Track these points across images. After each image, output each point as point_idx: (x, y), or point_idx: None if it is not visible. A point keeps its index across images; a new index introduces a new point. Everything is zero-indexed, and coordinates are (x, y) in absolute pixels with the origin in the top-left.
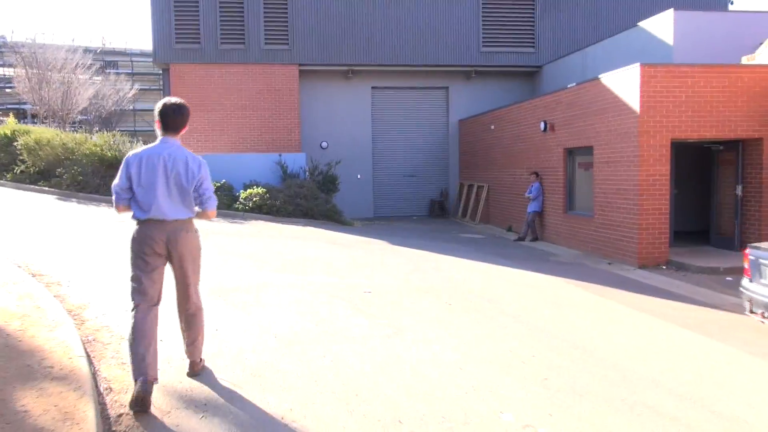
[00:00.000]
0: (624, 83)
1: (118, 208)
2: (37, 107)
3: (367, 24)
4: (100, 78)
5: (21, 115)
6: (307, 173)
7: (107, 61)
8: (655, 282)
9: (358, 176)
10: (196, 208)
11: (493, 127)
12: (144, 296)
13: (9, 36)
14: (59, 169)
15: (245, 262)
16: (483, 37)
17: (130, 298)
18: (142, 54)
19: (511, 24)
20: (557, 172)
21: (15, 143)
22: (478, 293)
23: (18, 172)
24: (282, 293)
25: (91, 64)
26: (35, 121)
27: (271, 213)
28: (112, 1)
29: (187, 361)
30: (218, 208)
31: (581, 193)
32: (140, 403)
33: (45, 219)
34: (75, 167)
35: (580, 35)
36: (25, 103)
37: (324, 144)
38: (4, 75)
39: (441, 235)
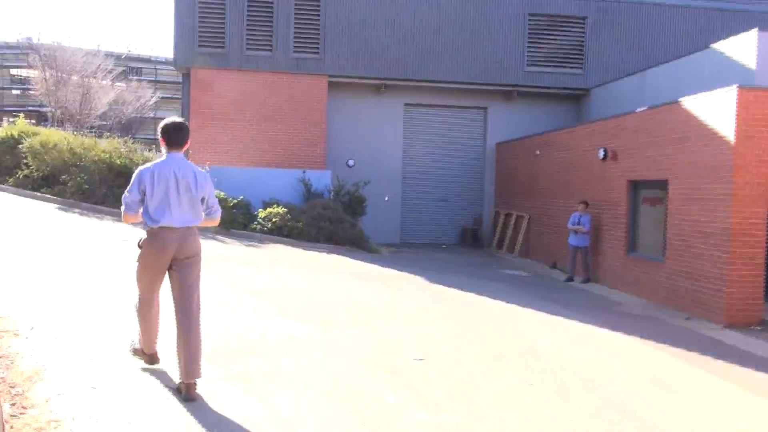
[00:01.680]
0: (714, 108)
1: (126, 218)
2: (53, 109)
3: (404, 35)
4: (123, 84)
5: (42, 118)
6: (332, 193)
7: (131, 67)
8: (763, 351)
9: (385, 198)
10: (203, 216)
11: (538, 152)
12: (149, 296)
13: (36, 38)
14: (64, 176)
15: (261, 302)
16: (528, 55)
17: (137, 302)
18: (167, 62)
19: (558, 43)
20: (618, 206)
21: (20, 145)
22: (559, 364)
23: (21, 176)
24: (308, 359)
25: (112, 69)
26: (55, 124)
27: (292, 236)
28: (139, 8)
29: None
30: (234, 228)
31: (646, 233)
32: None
33: (36, 234)
34: (81, 174)
35: (632, 59)
36: (45, 106)
37: (351, 162)
38: (28, 77)
39: (480, 270)
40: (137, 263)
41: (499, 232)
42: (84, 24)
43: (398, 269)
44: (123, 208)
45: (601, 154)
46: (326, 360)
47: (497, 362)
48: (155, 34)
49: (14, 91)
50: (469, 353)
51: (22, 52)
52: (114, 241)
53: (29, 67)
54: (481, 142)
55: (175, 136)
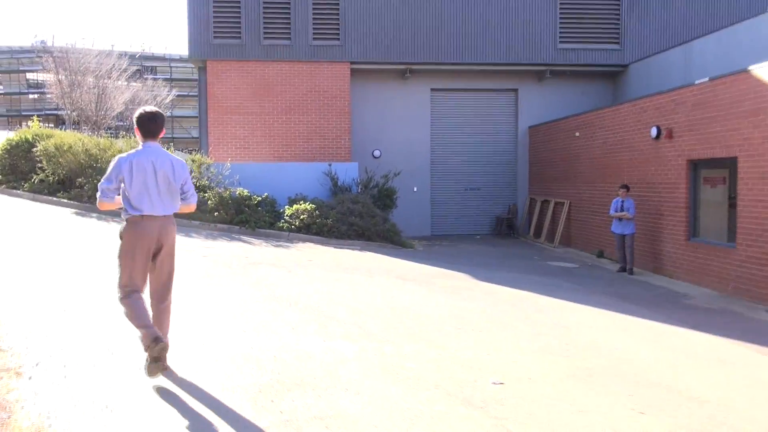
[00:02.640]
0: None
1: (101, 205)
2: (69, 111)
3: (428, 17)
4: (138, 84)
5: (59, 121)
6: (360, 186)
7: (146, 66)
8: None
9: (414, 189)
10: (180, 203)
11: (578, 134)
12: (134, 286)
13: (50, 41)
14: (80, 179)
15: (299, 315)
16: (561, 32)
17: (117, 288)
18: (181, 59)
19: (593, 17)
20: (676, 188)
21: (34, 149)
22: (655, 381)
23: (36, 181)
24: (370, 392)
25: (126, 68)
26: (72, 126)
27: (321, 233)
28: (152, 6)
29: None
30: (259, 227)
31: (709, 216)
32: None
33: (51, 243)
34: (97, 177)
35: (673, 31)
36: (61, 109)
37: (377, 152)
38: (44, 80)
39: (524, 262)
40: (119, 253)
41: (536, 221)
42: (98, 24)
43: (439, 266)
44: (99, 194)
45: (654, 132)
46: (391, 392)
47: (589, 382)
48: (169, 32)
49: (31, 96)
50: (552, 371)
51: (37, 55)
52: None
53: (44, 70)
54: (512, 126)
55: (150, 126)
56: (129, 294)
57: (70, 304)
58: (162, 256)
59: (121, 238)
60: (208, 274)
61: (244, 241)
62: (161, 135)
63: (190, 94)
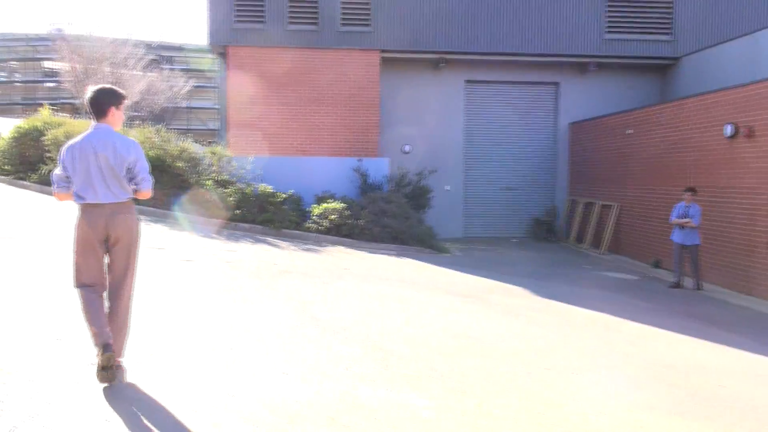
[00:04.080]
0: None
1: (57, 195)
2: (83, 100)
3: (464, 3)
4: (154, 73)
5: (74, 110)
6: (392, 183)
7: (162, 56)
8: None
9: (446, 188)
10: (133, 188)
11: (630, 131)
12: (85, 279)
13: (66, 29)
14: None
15: (352, 351)
16: (608, 21)
17: (72, 280)
18: (199, 50)
19: (643, 5)
20: (756, 194)
21: (43, 137)
22: None
23: (45, 172)
24: None
25: (142, 57)
26: (86, 115)
27: (352, 235)
28: None
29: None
30: (285, 228)
31: None
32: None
33: (58, 241)
34: None
35: (732, 21)
36: (77, 98)
37: (407, 147)
38: (60, 69)
39: (575, 272)
40: (73, 246)
41: (578, 224)
42: (114, 13)
43: (487, 276)
44: (53, 185)
45: (728, 130)
46: None
47: None
48: (187, 22)
49: (47, 84)
50: (681, 428)
51: (54, 43)
52: (147, 250)
53: (60, 58)
54: (551, 121)
55: (93, 106)
56: (80, 286)
57: (52, 311)
58: (116, 249)
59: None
60: (232, 287)
61: (270, 244)
62: (111, 114)
63: (207, 85)
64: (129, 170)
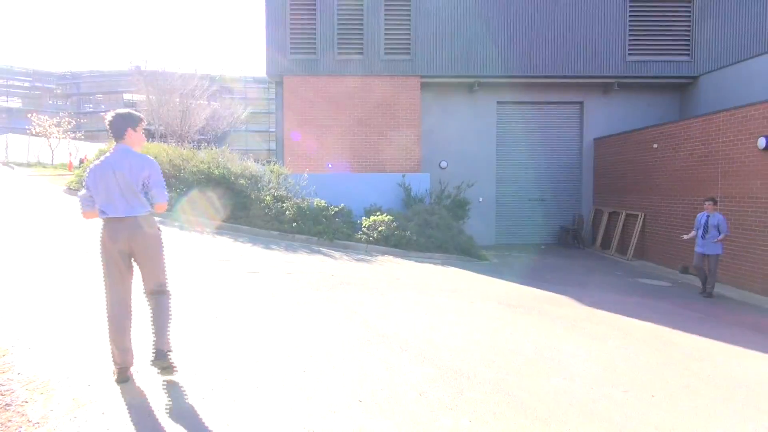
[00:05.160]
0: None
1: (84, 214)
2: (157, 126)
3: (495, 30)
4: (216, 102)
5: (149, 135)
6: (433, 197)
7: (223, 86)
8: None
9: (480, 199)
10: (148, 203)
11: (656, 145)
12: (113, 290)
13: (143, 66)
14: None
15: (423, 372)
16: (630, 43)
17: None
18: (255, 81)
19: (663, 28)
20: None
21: None
22: None
23: None
24: None
25: (206, 88)
26: (159, 139)
27: (400, 246)
28: (229, 34)
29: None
30: (337, 239)
31: None
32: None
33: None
34: (181, 186)
35: (748, 42)
36: (151, 124)
37: (443, 163)
38: (137, 100)
39: (610, 278)
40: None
41: (603, 232)
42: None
43: (529, 285)
44: (80, 205)
45: (763, 143)
46: None
47: None
48: (243, 56)
49: None
50: None
51: (132, 78)
52: (215, 262)
53: (137, 91)
54: (576, 137)
55: (111, 130)
56: (108, 300)
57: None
58: (139, 260)
59: None
60: (297, 300)
61: (324, 254)
62: (128, 136)
63: (261, 111)
64: (144, 185)
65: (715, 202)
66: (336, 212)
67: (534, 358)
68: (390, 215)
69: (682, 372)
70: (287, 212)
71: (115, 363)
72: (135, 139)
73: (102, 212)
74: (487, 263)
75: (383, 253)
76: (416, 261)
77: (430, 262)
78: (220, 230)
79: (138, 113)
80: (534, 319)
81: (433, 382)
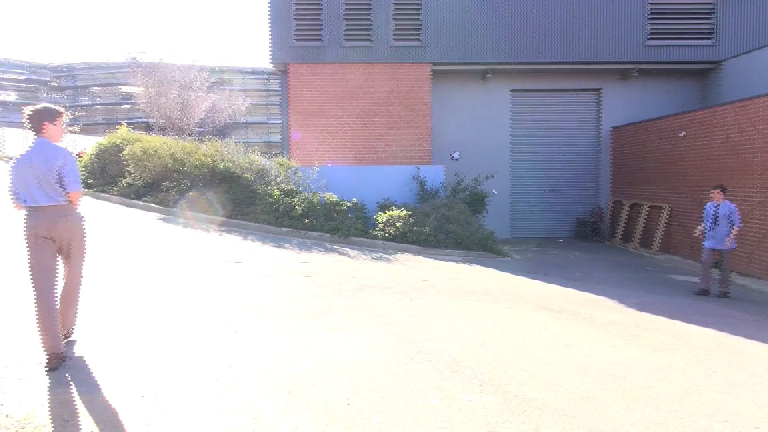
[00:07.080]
0: None
1: (16, 207)
2: (156, 119)
3: (509, 15)
4: (215, 94)
5: (148, 128)
6: (448, 189)
7: (222, 78)
8: None
9: (494, 192)
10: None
11: (683, 134)
12: (33, 279)
13: (140, 57)
14: (166, 183)
15: (482, 400)
16: (650, 27)
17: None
18: (254, 72)
19: (685, 11)
20: None
21: (122, 153)
22: None
23: (124, 185)
24: None
25: (205, 80)
26: (158, 132)
27: (418, 243)
28: (229, 24)
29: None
30: (351, 235)
31: None
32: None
33: (134, 254)
34: (184, 180)
35: None
36: (150, 117)
37: (456, 155)
38: (135, 92)
39: (642, 275)
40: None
41: (623, 224)
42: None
43: (562, 284)
44: (11, 197)
45: None
46: None
47: None
48: (242, 47)
49: (124, 106)
50: None
51: (130, 70)
52: (226, 264)
53: (135, 83)
54: (593, 126)
55: (30, 123)
56: (35, 287)
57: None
58: (59, 245)
59: None
60: (322, 308)
61: (340, 253)
62: (46, 130)
63: (261, 103)
64: (59, 175)
65: (723, 190)
66: (349, 207)
67: (597, 376)
68: (406, 210)
69: (738, 384)
70: (297, 207)
71: (46, 350)
72: (53, 133)
73: (23, 202)
74: (508, 260)
75: (401, 251)
76: (437, 259)
77: (452, 260)
78: (227, 227)
79: (57, 107)
80: (582, 326)
81: (499, 414)
